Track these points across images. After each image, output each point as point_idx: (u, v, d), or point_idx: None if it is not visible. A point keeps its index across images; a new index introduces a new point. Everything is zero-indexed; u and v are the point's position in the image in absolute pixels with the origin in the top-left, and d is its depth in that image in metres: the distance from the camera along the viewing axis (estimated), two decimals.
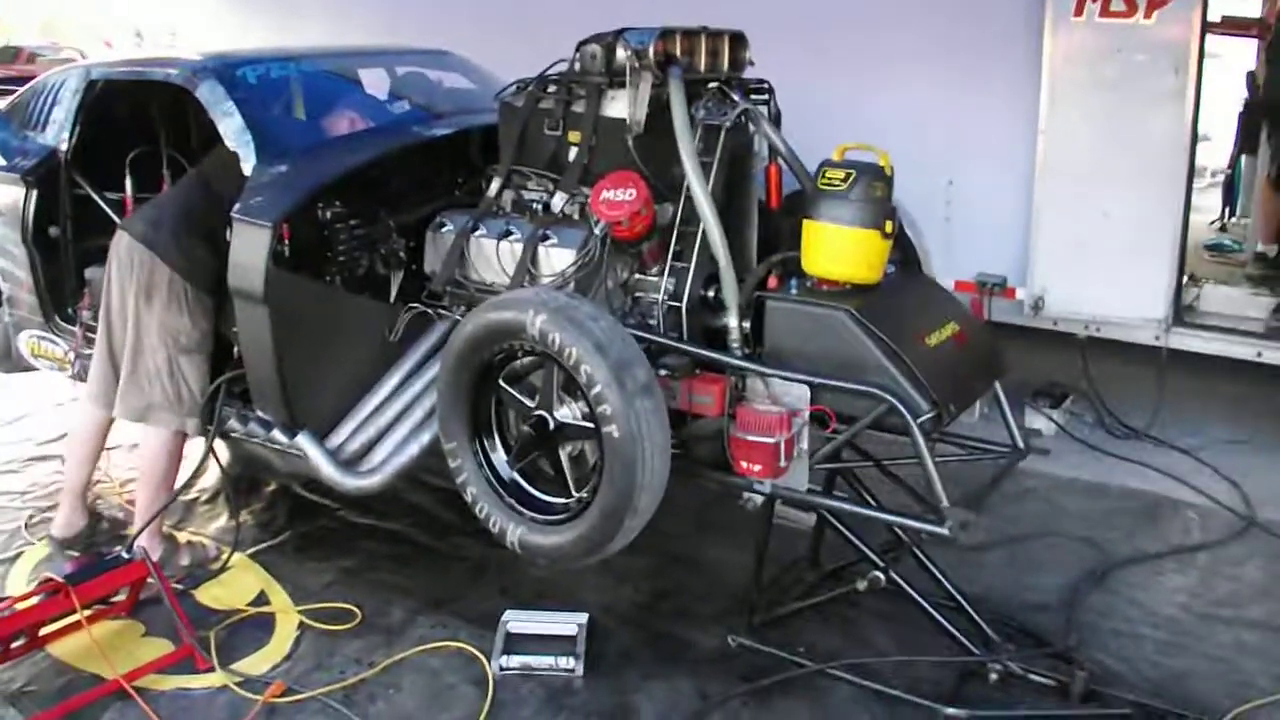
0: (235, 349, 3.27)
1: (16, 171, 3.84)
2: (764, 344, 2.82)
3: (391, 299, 3.25)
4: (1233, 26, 4.81)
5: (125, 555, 3.12)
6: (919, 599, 2.93)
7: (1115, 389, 4.53)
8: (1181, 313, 4.22)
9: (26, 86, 4.21)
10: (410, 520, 3.81)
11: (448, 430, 2.84)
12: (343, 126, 3.45)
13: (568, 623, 3.14)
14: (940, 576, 3.04)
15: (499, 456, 2.85)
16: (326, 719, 2.80)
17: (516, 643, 3.05)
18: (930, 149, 4.33)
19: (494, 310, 2.66)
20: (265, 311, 2.98)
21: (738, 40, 3.15)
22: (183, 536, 3.67)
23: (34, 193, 3.80)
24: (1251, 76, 5.13)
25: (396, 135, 3.41)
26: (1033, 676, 2.84)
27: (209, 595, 3.36)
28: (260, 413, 3.19)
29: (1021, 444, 3.07)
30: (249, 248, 2.98)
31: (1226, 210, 5.47)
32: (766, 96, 3.15)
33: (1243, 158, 5.25)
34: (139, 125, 4.04)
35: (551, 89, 3.10)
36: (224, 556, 3.52)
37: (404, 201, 3.24)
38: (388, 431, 3.08)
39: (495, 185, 3.15)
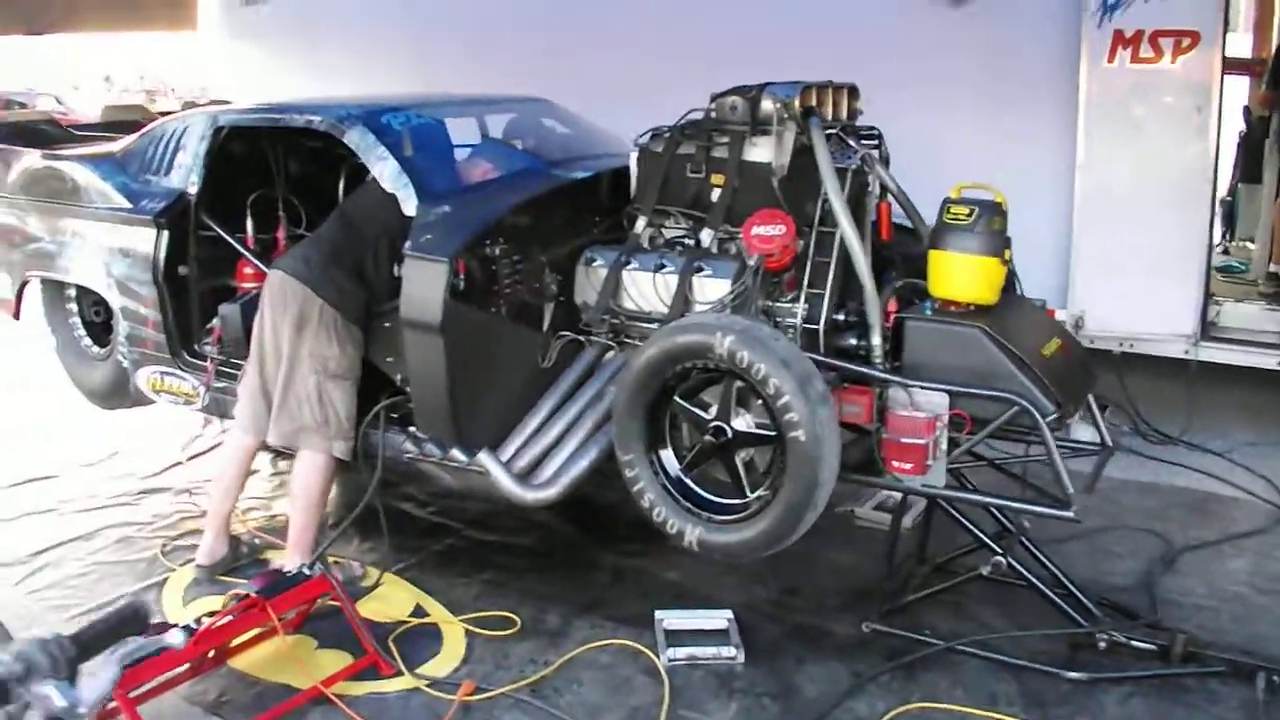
0: (397, 377, 3.62)
1: (147, 214, 4.14)
2: (903, 358, 3.29)
3: (544, 328, 3.64)
4: (1235, 67, 5.45)
5: (307, 571, 3.42)
6: (1033, 579, 3.41)
7: (1147, 400, 5.10)
8: (1207, 328, 4.81)
9: (140, 134, 4.51)
10: (534, 536, 4.17)
11: (625, 444, 3.23)
12: (480, 171, 3.83)
13: (717, 618, 3.54)
14: (1045, 560, 3.53)
15: (673, 465, 3.27)
16: (522, 714, 3.11)
17: (676, 637, 3.43)
18: None
19: (680, 334, 3.07)
20: (440, 341, 3.33)
21: (853, 93, 3.65)
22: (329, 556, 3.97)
23: (165, 234, 4.11)
24: (1247, 110, 5.81)
25: (541, 178, 3.81)
26: (1135, 643, 3.32)
27: (368, 610, 3.63)
28: (421, 434, 3.54)
29: (1110, 442, 3.59)
30: (425, 281, 3.33)
31: (1226, 235, 6.14)
32: (877, 141, 3.65)
33: (1240, 186, 5.92)
34: (254, 169, 4.37)
35: (687, 136, 3.56)
36: (365, 574, 3.82)
37: (553, 238, 3.64)
38: (555, 447, 3.44)
39: (641, 223, 3.58)
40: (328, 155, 4.54)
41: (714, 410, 3.18)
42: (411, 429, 3.61)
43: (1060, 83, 4.82)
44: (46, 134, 5.10)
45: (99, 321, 4.81)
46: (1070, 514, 3.09)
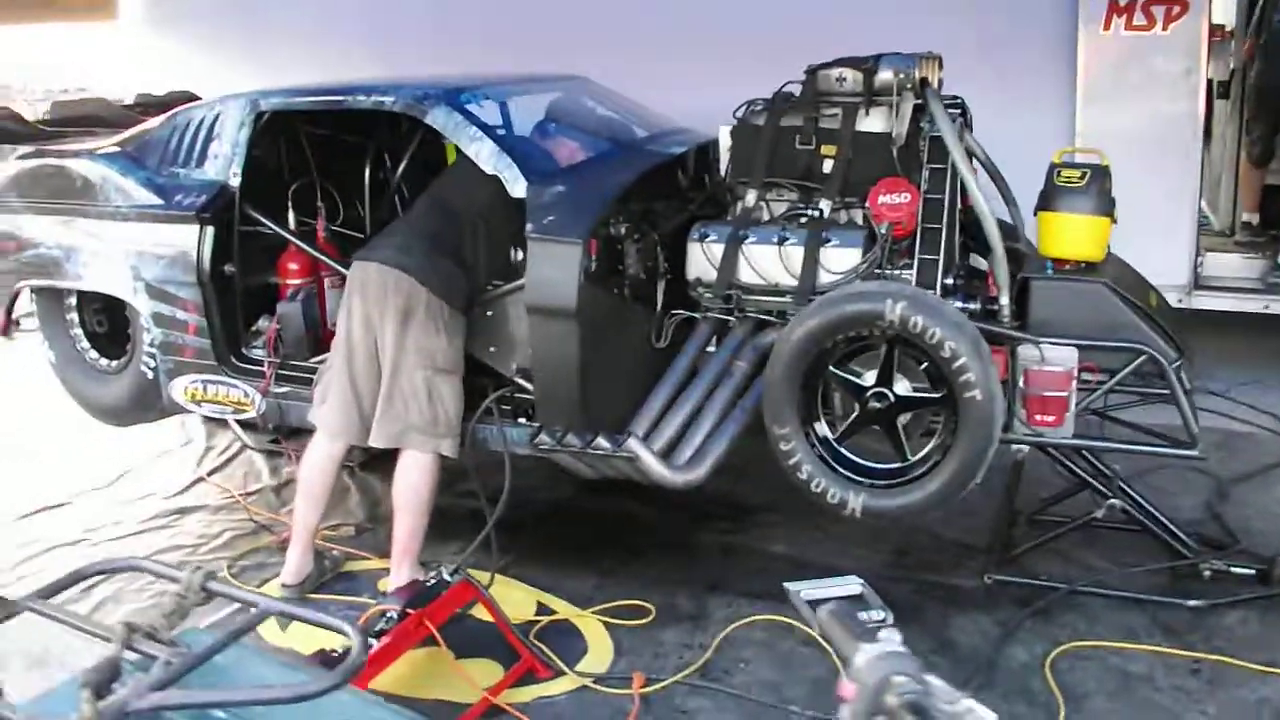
0: (512, 367, 3.53)
1: (187, 210, 3.86)
2: (1029, 316, 3.47)
3: (659, 306, 3.63)
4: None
5: (448, 578, 3.31)
6: (1144, 520, 3.69)
7: None
8: (1197, 279, 5.24)
9: (153, 123, 4.19)
10: (622, 522, 4.16)
11: (780, 417, 3.27)
12: (567, 150, 3.78)
13: (849, 584, 3.63)
14: (1142, 500, 3.80)
15: (828, 434, 3.34)
16: (705, 699, 3.11)
17: (821, 606, 3.51)
18: None
19: (846, 304, 3.14)
20: (574, 326, 3.28)
21: (939, 63, 3.79)
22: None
23: (208, 230, 3.85)
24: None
25: (638, 155, 3.79)
26: (1234, 570, 3.63)
27: (488, 613, 3.58)
28: (543, 424, 3.48)
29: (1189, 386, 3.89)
30: (556, 264, 3.27)
31: None
32: (961, 110, 3.81)
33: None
34: (286, 158, 4.15)
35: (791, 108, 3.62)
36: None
37: (660, 216, 3.64)
38: (690, 427, 3.45)
39: (752, 196, 3.62)
40: (348, 142, 4.38)
41: (868, 377, 3.27)
42: (522, 420, 3.55)
43: (1058, 51, 5.13)
44: (11, 131, 4.66)
45: (103, 332, 4.46)
46: (1196, 452, 3.35)
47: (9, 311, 4.40)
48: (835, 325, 3.16)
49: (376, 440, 3.52)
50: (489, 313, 3.60)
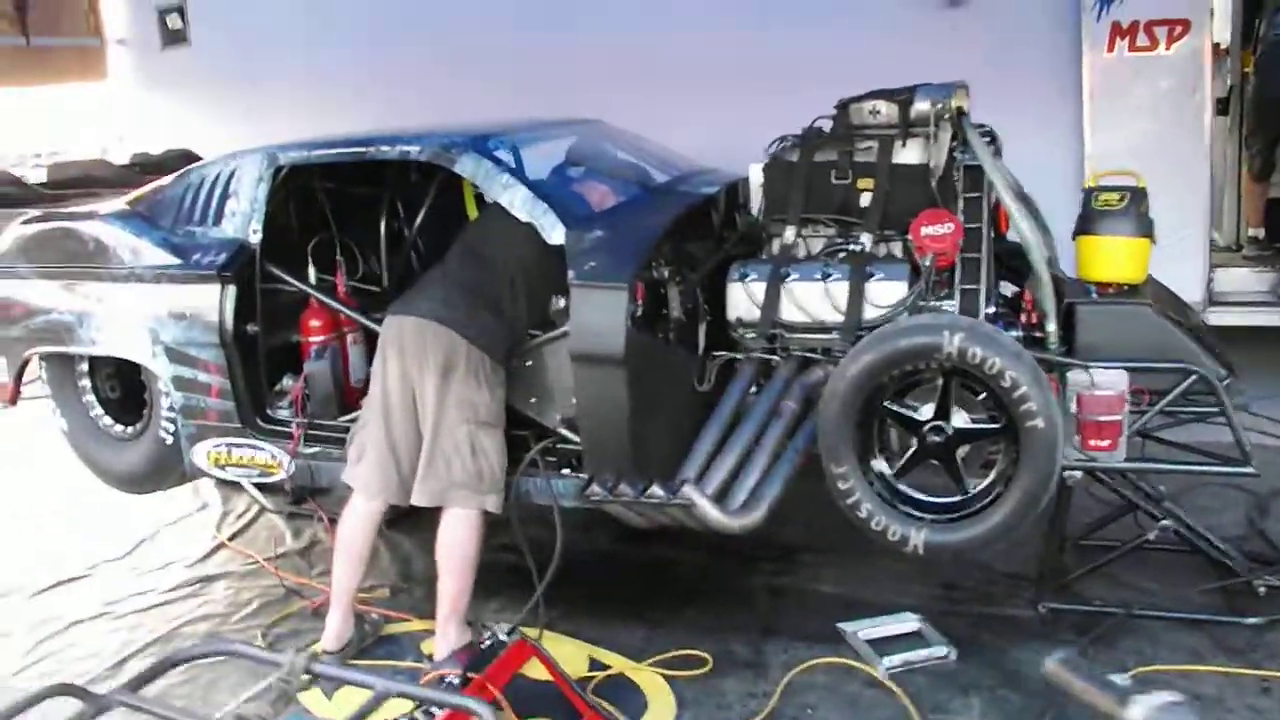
0: (556, 418, 3.48)
1: (207, 269, 3.79)
2: (1076, 341, 3.47)
3: (700, 349, 3.60)
4: None
5: (504, 638, 3.23)
6: (1195, 540, 3.68)
7: None
8: (1211, 295, 5.30)
9: (164, 181, 4.12)
10: (663, 569, 4.10)
11: (837, 455, 3.24)
12: (598, 194, 3.75)
13: (904, 622, 3.61)
14: (1188, 520, 3.79)
15: (885, 471, 3.31)
16: None
17: (880, 646, 3.47)
18: None
19: (902, 337, 3.12)
20: (622, 372, 3.23)
21: (967, 90, 3.81)
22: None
23: (230, 289, 3.77)
24: None
25: (671, 198, 3.77)
26: None
27: (539, 670, 3.49)
28: (590, 473, 3.42)
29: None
30: (602, 310, 3.23)
31: None
32: (991, 138, 3.83)
33: None
34: (301, 213, 4.10)
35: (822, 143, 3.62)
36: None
37: (697, 257, 3.62)
38: (742, 470, 3.41)
39: (790, 233, 3.61)
40: (360, 194, 4.33)
41: (924, 411, 3.25)
42: (566, 471, 3.50)
43: (1063, 76, 5.19)
44: (12, 197, 4.56)
45: (116, 398, 4.36)
46: (1251, 470, 3.36)
47: (18, 380, 4.29)
48: (892, 360, 3.14)
49: (419, 499, 3.44)
50: (528, 363, 3.55)
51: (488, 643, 3.24)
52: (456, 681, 3.02)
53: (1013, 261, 3.78)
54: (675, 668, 3.45)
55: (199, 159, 5.13)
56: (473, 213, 4.39)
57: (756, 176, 3.76)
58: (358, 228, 4.33)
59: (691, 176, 4.06)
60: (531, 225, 3.46)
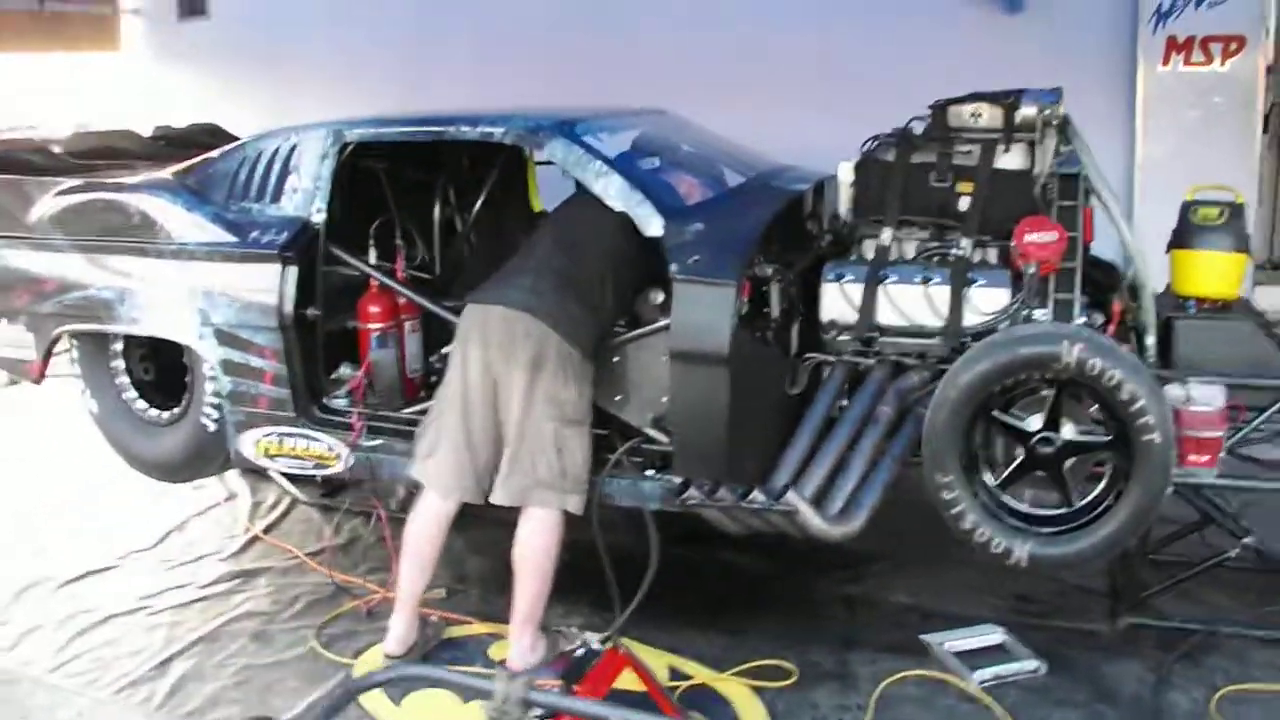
0: (646, 417, 3.40)
1: (267, 248, 3.64)
2: (1174, 355, 3.48)
3: (793, 350, 3.54)
4: None
5: (596, 647, 3.15)
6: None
7: None
8: None
9: (213, 154, 3.95)
10: (723, 576, 4.03)
11: (943, 465, 3.19)
12: (686, 186, 3.67)
13: (989, 634, 3.59)
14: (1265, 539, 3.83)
15: (991, 482, 3.29)
16: None
17: (969, 659, 3.45)
18: None
19: (1020, 346, 3.09)
20: (724, 373, 3.16)
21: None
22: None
23: (292, 270, 3.63)
24: None
25: (766, 191, 3.70)
26: None
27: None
28: (684, 476, 3.35)
29: None
30: (707, 307, 3.15)
31: None
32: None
33: None
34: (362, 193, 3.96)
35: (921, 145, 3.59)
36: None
37: (792, 255, 3.56)
38: (838, 476, 3.36)
39: (887, 235, 3.56)
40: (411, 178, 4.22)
41: (1032, 422, 3.23)
42: (650, 473, 3.42)
43: (1116, 87, 5.23)
44: (38, 165, 4.34)
45: (149, 380, 4.18)
46: None
47: (46, 358, 4.09)
48: (1008, 369, 3.10)
49: (500, 498, 3.34)
50: (615, 358, 3.45)
51: (580, 651, 3.16)
52: (558, 692, 2.92)
53: (1093, 273, 3.78)
54: (759, 678, 3.40)
55: (226, 134, 4.95)
56: (536, 203, 4.29)
57: (846, 175, 3.70)
58: (407, 213, 4.20)
59: (780, 172, 4.00)
60: (622, 215, 3.38)
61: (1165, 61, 5.11)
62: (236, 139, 4.98)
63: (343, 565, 4.08)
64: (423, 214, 4.33)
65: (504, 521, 3.45)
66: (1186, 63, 5.10)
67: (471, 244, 4.47)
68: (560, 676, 3.02)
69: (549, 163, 4.34)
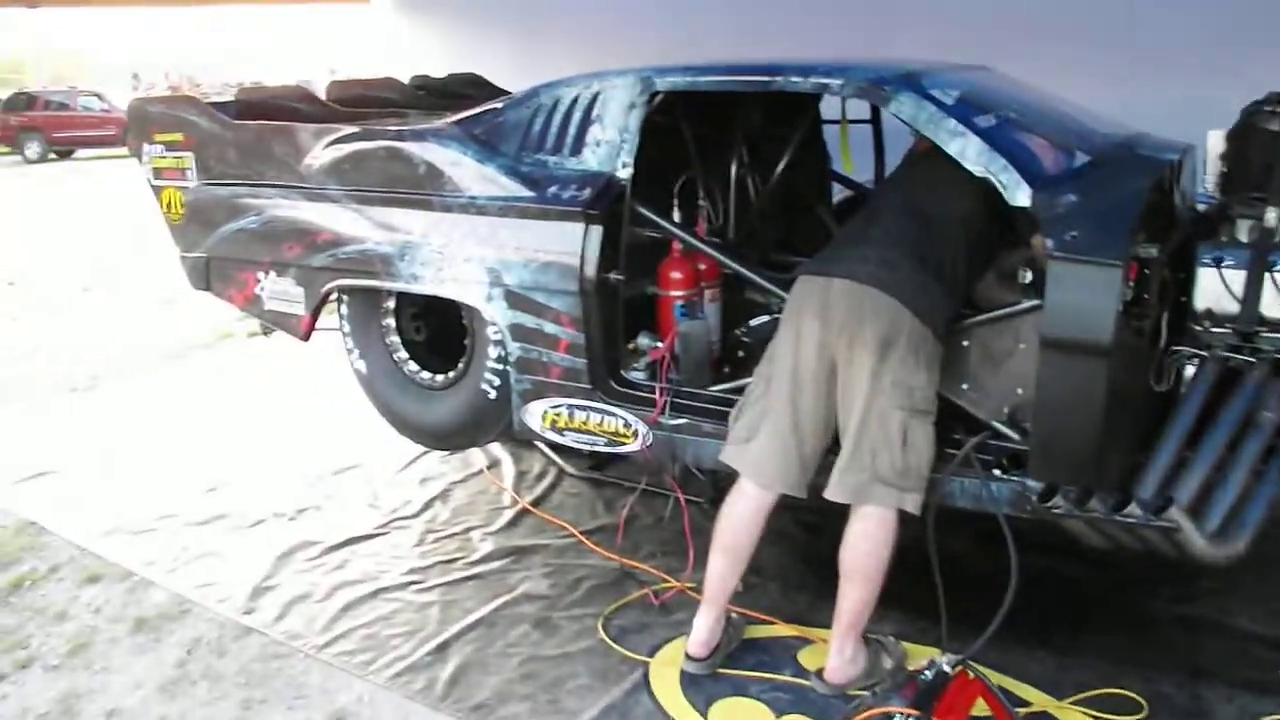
0: (1005, 410, 3.11)
1: (569, 205, 3.42)
2: None
3: (1163, 341, 3.19)
4: None
5: (948, 670, 2.88)
6: None
7: None
8: None
9: (499, 103, 3.76)
10: (1034, 583, 3.68)
11: None
12: (1044, 150, 3.32)
13: None
14: None
15: None
16: None
17: None
18: None
19: None
20: (1103, 365, 2.84)
21: None
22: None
23: (596, 230, 3.41)
24: None
25: (1135, 160, 3.35)
26: None
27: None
28: (1043, 479, 3.04)
29: None
30: (1089, 290, 2.81)
31: None
32: None
33: None
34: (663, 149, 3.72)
35: None
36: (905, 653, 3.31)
37: (1160, 233, 3.20)
38: (1214, 489, 3.01)
39: (1271, 215, 3.15)
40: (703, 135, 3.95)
41: None
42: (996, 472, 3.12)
43: None
44: (306, 114, 4.22)
45: (420, 340, 4.04)
46: None
47: (316, 314, 3.97)
48: None
49: (836, 494, 3.07)
50: (964, 342, 3.16)
51: (929, 673, 2.89)
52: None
53: None
54: (1102, 709, 3.09)
55: (488, 84, 4.76)
56: (849, 164, 3.99)
57: (1216, 144, 3.31)
58: (700, 172, 3.94)
59: (1141, 139, 3.61)
60: (978, 182, 3.06)
61: None
62: (500, 90, 4.83)
63: (622, 548, 3.87)
64: (715, 174, 4.07)
65: (792, 505, 3.23)
66: None
67: (763, 207, 4.20)
68: (913, 705, 2.74)
69: (855, 120, 4.08)
